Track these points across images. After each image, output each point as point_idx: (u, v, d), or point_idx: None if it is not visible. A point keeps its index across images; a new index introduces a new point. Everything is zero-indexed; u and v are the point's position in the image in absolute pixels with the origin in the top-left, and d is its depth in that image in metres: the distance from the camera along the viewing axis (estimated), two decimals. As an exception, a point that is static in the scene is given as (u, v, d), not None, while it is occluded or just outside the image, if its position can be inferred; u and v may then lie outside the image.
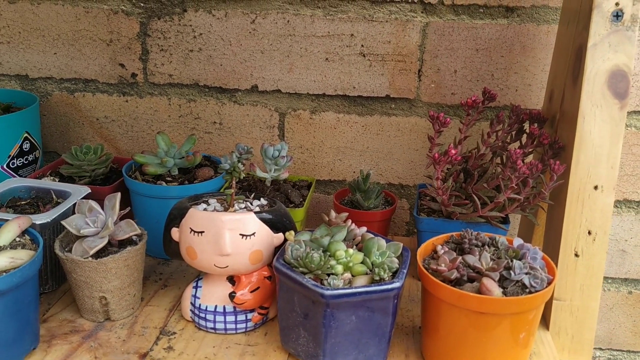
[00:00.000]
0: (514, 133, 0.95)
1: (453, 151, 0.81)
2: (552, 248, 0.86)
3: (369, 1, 1.04)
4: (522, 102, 1.07)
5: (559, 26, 0.97)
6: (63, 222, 0.78)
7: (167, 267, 0.98)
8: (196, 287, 0.82)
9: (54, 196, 0.91)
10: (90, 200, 0.80)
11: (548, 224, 0.90)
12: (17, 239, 0.76)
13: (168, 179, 0.98)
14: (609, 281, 1.15)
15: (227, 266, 0.77)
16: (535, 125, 0.93)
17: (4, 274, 0.68)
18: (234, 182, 0.82)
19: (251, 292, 0.79)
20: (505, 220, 0.91)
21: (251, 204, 0.84)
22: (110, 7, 1.09)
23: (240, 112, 1.14)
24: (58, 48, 1.13)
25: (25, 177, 1.03)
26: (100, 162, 1.02)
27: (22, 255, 0.71)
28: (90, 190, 0.91)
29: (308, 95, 1.11)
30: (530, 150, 0.90)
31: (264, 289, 0.80)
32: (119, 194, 0.81)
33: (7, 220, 0.76)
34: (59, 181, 1.00)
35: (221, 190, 1.00)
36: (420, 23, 1.05)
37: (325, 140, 1.14)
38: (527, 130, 0.95)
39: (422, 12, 1.04)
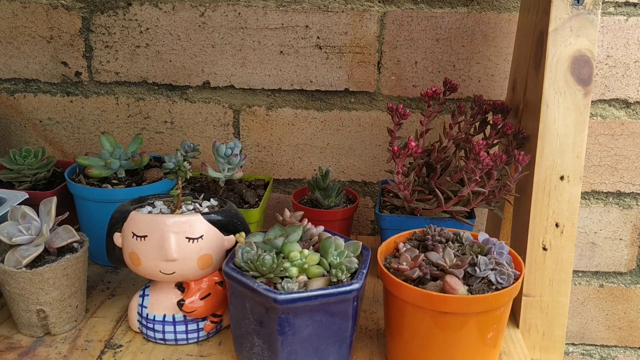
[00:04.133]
0: (477, 124, 0.91)
1: (413, 143, 0.77)
2: (519, 242, 0.82)
3: (323, -9, 1.00)
4: (485, 93, 1.04)
5: (519, 14, 0.93)
6: (-8, 230, 0.72)
7: (115, 276, 0.91)
8: (143, 296, 0.76)
9: (-13, 203, 0.84)
10: (23, 206, 0.74)
11: (515, 217, 0.87)
12: (-59, 250, 0.69)
13: (114, 181, 0.92)
14: (580, 275, 1.12)
15: (174, 272, 0.71)
16: (499, 116, 0.90)
17: None
18: (179, 182, 0.76)
19: (201, 299, 0.73)
20: (471, 215, 0.87)
21: (200, 205, 0.78)
22: (49, 2, 1.03)
23: (192, 110, 1.08)
24: (-5, 46, 1.06)
25: (-40, 184, 0.96)
26: (41, 166, 0.95)
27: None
28: (27, 196, 0.84)
29: (263, 90, 1.06)
30: (494, 141, 0.87)
31: (215, 296, 0.74)
32: (54, 198, 0.74)
33: None
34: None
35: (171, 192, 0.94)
36: (378, 13, 1.00)
37: (283, 138, 1.09)
38: (491, 122, 0.92)
39: (379, 2, 1.00)
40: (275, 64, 1.04)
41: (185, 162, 0.75)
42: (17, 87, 1.09)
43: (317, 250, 0.72)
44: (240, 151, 0.91)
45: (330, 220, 0.94)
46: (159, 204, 0.78)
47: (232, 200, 0.91)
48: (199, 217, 0.71)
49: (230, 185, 0.96)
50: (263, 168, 1.11)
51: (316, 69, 1.04)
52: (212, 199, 0.80)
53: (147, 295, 0.76)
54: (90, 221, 0.91)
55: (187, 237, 0.70)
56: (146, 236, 0.70)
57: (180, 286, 0.75)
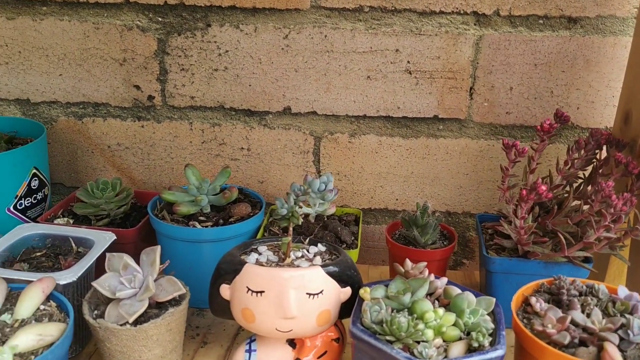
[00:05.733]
0: (595, 161, 0.85)
1: (543, 188, 0.71)
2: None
3: (416, 13, 0.94)
4: (584, 120, 0.98)
5: (633, 38, 0.87)
6: (94, 284, 0.66)
7: (202, 319, 0.86)
8: (250, 352, 0.71)
9: (73, 244, 0.79)
10: (124, 256, 0.68)
11: (635, 262, 0.80)
12: (42, 307, 0.63)
13: (201, 217, 0.86)
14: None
15: (291, 330, 0.66)
16: (613, 149, 0.84)
17: (32, 357, 0.56)
18: (290, 228, 0.70)
19: (318, 358, 0.68)
20: (588, 259, 0.81)
21: (308, 251, 0.73)
22: (124, 23, 0.97)
23: (271, 136, 1.02)
24: (64, 69, 1.01)
25: (34, 218, 0.90)
26: (119, 200, 0.90)
27: (52, 331, 0.59)
28: (115, 237, 0.79)
29: (347, 117, 1.00)
30: (615, 180, 0.80)
31: (331, 354, 0.69)
32: (158, 248, 0.69)
33: (23, 280, 0.64)
34: (73, 222, 0.88)
35: (262, 229, 0.89)
36: (474, 36, 0.94)
37: (365, 166, 1.03)
38: (598, 156, 0.86)
39: (475, 24, 0.94)
40: (361, 90, 0.98)
41: (297, 207, 0.70)
42: (86, 111, 1.03)
43: (442, 306, 0.66)
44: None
45: (427, 260, 0.87)
46: (263, 249, 0.73)
47: (329, 240, 0.85)
48: (319, 270, 0.66)
49: (320, 221, 0.90)
50: (342, 197, 1.05)
51: (404, 95, 0.98)
52: (319, 244, 0.74)
53: (255, 350, 0.70)
54: (175, 259, 0.85)
55: (307, 293, 0.65)
56: (263, 292, 0.64)
57: (292, 342, 0.69)
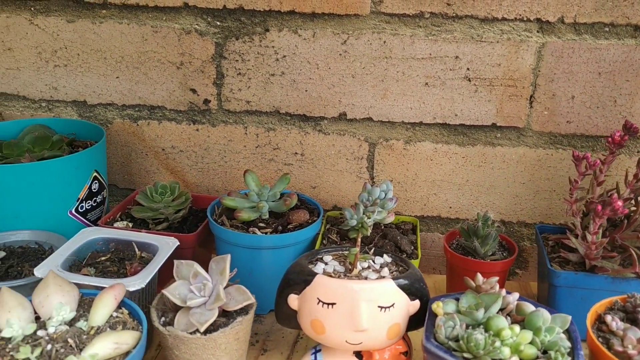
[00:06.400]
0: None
1: (619, 203, 0.69)
2: None
3: (477, 19, 0.92)
4: (647, 131, 0.95)
5: None
6: (165, 292, 0.66)
7: (261, 326, 0.86)
8: (315, 362, 0.70)
9: (136, 249, 0.79)
10: (194, 263, 0.68)
11: None
12: (114, 315, 0.64)
13: (260, 224, 0.86)
14: None
15: (361, 342, 0.65)
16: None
17: (111, 366, 0.56)
18: (358, 239, 0.70)
19: (386, 371, 0.67)
20: (656, 275, 0.79)
21: (373, 261, 0.72)
22: (182, 27, 0.97)
23: (325, 142, 1.02)
24: (121, 71, 1.01)
25: (93, 221, 0.91)
26: (177, 204, 0.90)
27: (127, 339, 0.59)
28: (178, 243, 0.79)
29: (403, 123, 0.99)
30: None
31: (399, 367, 0.68)
32: (228, 257, 0.69)
33: (92, 286, 0.65)
34: (132, 226, 0.89)
35: (320, 237, 0.88)
36: (536, 44, 0.93)
37: (419, 173, 1.02)
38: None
39: (538, 32, 0.92)
40: (418, 96, 0.97)
41: (366, 217, 0.69)
42: (141, 113, 1.04)
43: (515, 322, 0.65)
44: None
45: (487, 272, 0.86)
46: (328, 259, 0.72)
47: (388, 249, 0.84)
48: (391, 283, 0.65)
49: (378, 229, 0.89)
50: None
51: (462, 102, 0.97)
52: (385, 255, 0.73)
53: (320, 361, 0.70)
54: (234, 265, 0.84)
55: (379, 306, 0.64)
56: (334, 304, 0.64)
57: (358, 354, 0.69)
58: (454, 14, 0.92)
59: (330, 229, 0.91)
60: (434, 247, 1.07)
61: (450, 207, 1.04)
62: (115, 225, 0.88)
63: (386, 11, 0.93)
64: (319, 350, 0.71)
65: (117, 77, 1.02)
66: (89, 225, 0.89)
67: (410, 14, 0.93)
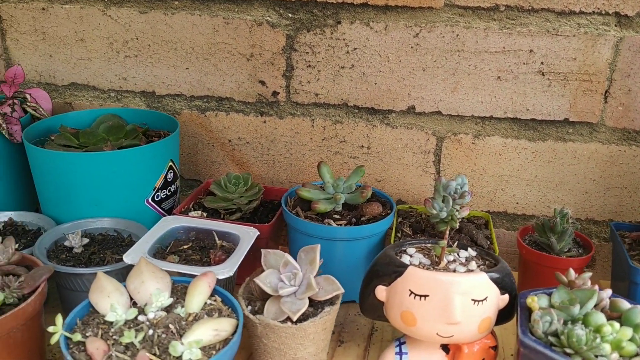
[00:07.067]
0: None
1: None
2: None
3: (554, 13, 0.91)
4: None
5: None
6: (257, 280, 0.66)
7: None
8: (400, 354, 0.70)
9: (216, 239, 0.80)
10: (285, 254, 0.68)
11: None
12: (208, 302, 0.64)
13: (335, 216, 0.86)
14: None
15: (452, 336, 0.65)
16: None
17: (214, 353, 0.57)
18: (447, 232, 0.69)
19: (475, 365, 0.67)
20: None
21: (458, 254, 0.72)
22: (254, 18, 0.98)
23: (392, 135, 1.01)
24: (191, 62, 1.02)
25: (167, 210, 0.92)
26: (251, 195, 0.90)
27: (225, 326, 0.60)
28: (258, 233, 0.79)
29: (472, 117, 0.99)
30: None
31: (488, 362, 0.68)
32: (318, 247, 0.69)
33: (181, 273, 0.65)
34: (207, 216, 0.89)
35: (394, 230, 0.88)
36: (614, 38, 0.91)
37: (487, 168, 1.01)
38: None
39: (616, 25, 0.91)
40: (489, 90, 0.96)
41: (455, 211, 0.69)
42: (209, 105, 1.04)
43: (610, 319, 0.64)
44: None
45: (563, 268, 0.85)
46: (412, 251, 0.72)
47: (464, 243, 0.84)
48: (484, 276, 0.65)
49: (451, 223, 0.89)
50: (462, 199, 1.03)
51: (535, 97, 0.96)
52: (469, 249, 0.73)
53: (406, 353, 0.70)
54: (307, 257, 0.85)
55: (472, 299, 0.64)
56: (427, 296, 0.64)
57: (445, 347, 0.68)
58: (530, 7, 0.91)
59: (402, 222, 0.91)
60: (501, 242, 1.06)
61: (517, 203, 1.03)
62: (190, 214, 0.89)
63: (460, 4, 0.92)
64: (404, 343, 0.71)
65: (186, 68, 1.03)
66: (164, 214, 0.90)
67: (485, 7, 0.92)
